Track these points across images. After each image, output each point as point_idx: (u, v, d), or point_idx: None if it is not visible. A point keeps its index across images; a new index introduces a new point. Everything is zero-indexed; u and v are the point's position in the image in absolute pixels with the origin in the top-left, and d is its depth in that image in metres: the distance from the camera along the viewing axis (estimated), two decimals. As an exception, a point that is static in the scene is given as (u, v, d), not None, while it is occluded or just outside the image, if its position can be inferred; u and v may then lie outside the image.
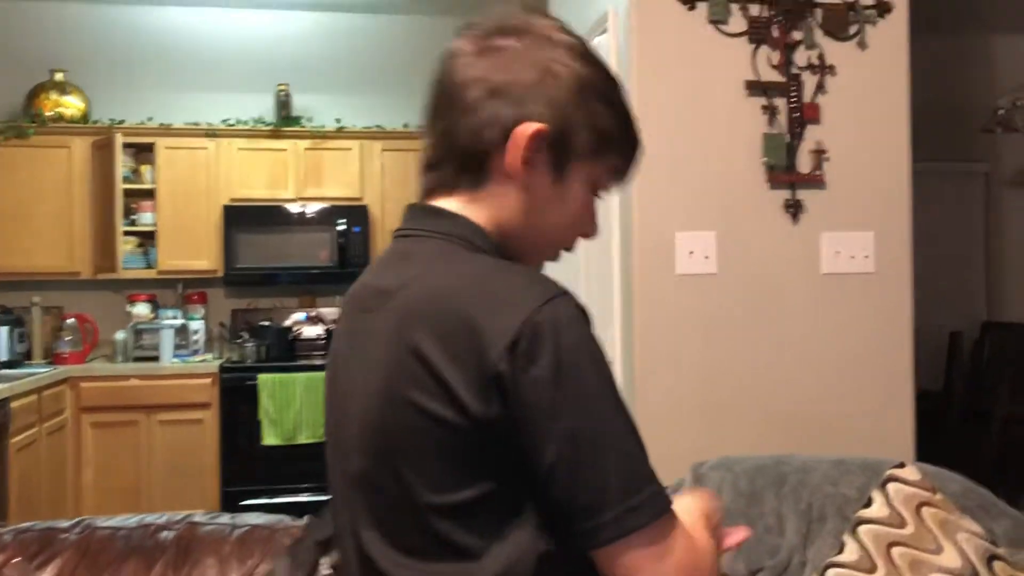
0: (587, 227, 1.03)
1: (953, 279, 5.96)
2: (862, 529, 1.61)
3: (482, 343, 0.83)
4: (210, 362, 4.87)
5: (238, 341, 4.98)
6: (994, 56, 5.92)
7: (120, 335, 5.00)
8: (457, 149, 0.96)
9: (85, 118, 5.06)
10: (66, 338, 4.85)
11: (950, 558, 1.54)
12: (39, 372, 4.36)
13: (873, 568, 1.56)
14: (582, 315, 0.87)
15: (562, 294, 0.87)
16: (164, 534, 1.58)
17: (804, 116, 2.62)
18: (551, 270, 1.04)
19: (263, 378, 4.69)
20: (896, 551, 1.56)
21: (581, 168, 0.97)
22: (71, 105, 5.03)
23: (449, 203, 0.97)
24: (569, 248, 1.04)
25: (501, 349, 0.82)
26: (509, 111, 0.93)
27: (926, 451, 2.73)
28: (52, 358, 4.83)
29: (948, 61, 5.80)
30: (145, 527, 1.60)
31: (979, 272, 6.11)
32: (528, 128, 0.92)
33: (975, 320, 5.95)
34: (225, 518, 1.65)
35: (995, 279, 6.12)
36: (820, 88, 2.64)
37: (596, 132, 0.96)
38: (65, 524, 1.61)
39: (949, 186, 5.94)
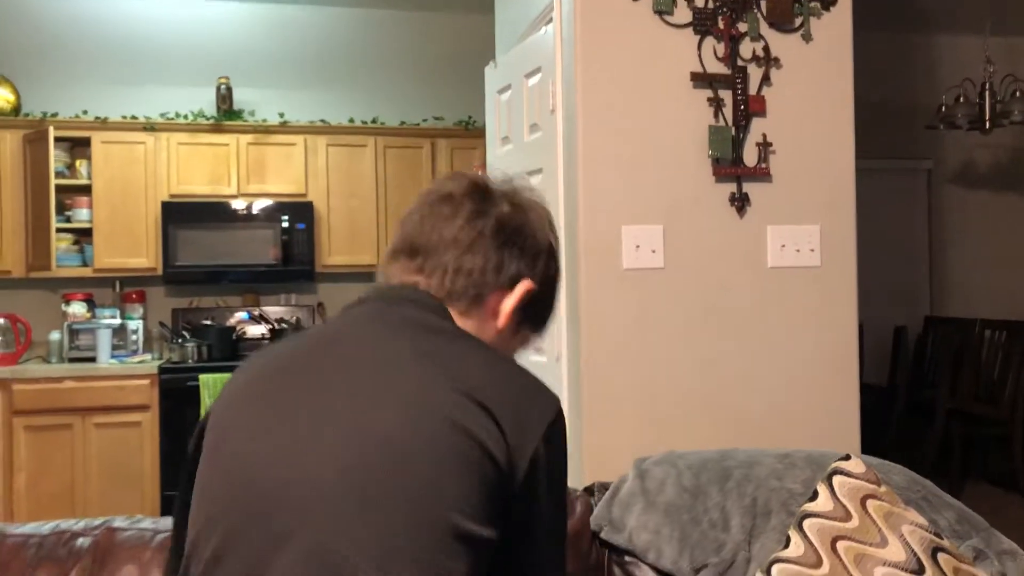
0: None
1: (898, 274, 6.05)
2: (807, 523, 1.58)
3: (525, 435, 0.95)
4: (149, 363, 4.72)
5: (178, 341, 4.84)
6: (937, 55, 6.01)
7: (55, 335, 4.84)
8: (465, 269, 1.08)
9: (16, 111, 4.88)
10: (-3, 339, 4.68)
11: (895, 551, 1.52)
12: (-33, 374, 4.19)
13: (818, 563, 1.53)
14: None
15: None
16: (80, 541, 1.49)
17: (749, 109, 2.60)
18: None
19: (204, 378, 4.56)
20: (841, 545, 1.53)
21: (525, 335, 1.16)
22: (0, 98, 4.84)
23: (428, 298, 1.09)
24: None
25: (539, 438, 0.96)
26: (521, 265, 1.10)
27: (871, 444, 2.73)
28: (-18, 360, 4.65)
29: (893, 59, 5.88)
30: (59, 534, 1.50)
31: (923, 267, 6.20)
32: (528, 284, 1.11)
33: (919, 315, 6.04)
34: (147, 523, 1.56)
35: (938, 274, 6.21)
36: (766, 80, 2.62)
37: (545, 316, 1.17)
38: (-27, 532, 1.52)
39: (893, 182, 6.02)
